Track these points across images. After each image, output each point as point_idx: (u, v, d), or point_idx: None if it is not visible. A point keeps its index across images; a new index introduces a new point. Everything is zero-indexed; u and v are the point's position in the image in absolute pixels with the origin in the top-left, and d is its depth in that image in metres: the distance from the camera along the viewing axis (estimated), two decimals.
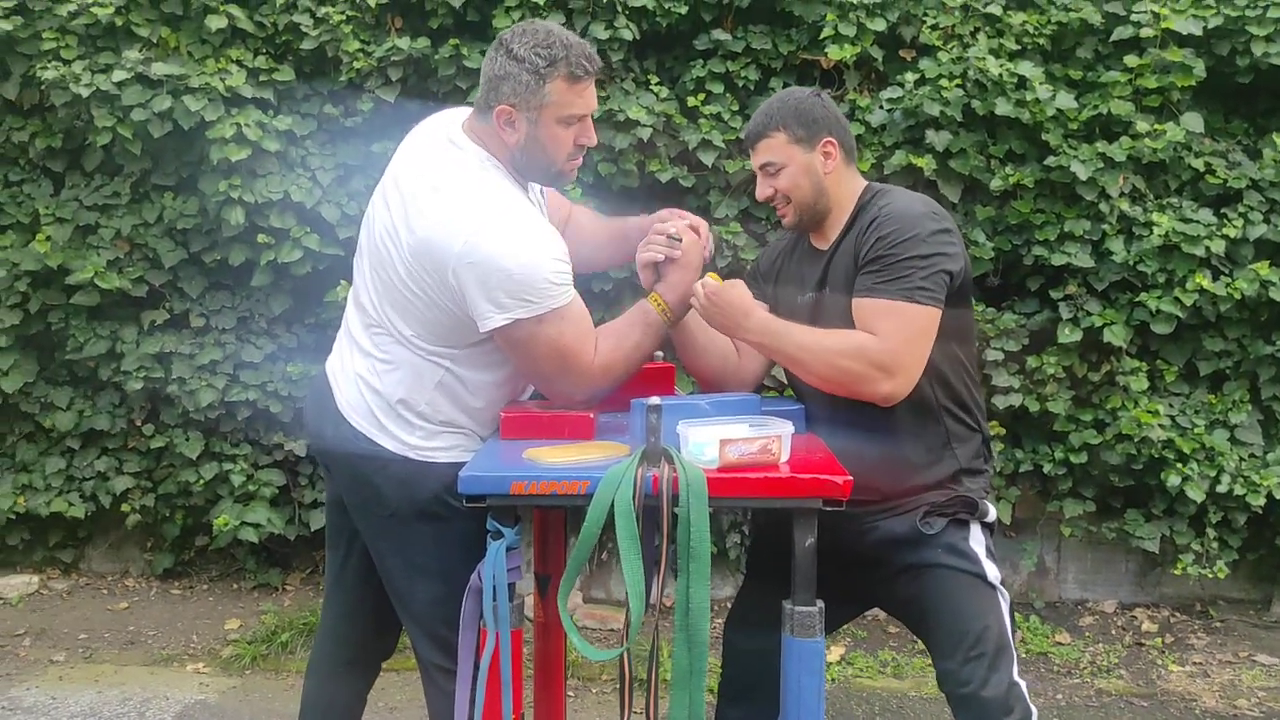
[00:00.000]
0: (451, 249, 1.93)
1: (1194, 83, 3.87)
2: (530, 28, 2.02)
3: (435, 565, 2.10)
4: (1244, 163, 4.00)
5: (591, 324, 2.08)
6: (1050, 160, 3.89)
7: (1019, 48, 3.97)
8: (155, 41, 4.10)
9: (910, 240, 2.08)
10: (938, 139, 3.90)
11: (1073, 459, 4.02)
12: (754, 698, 2.32)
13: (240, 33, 4.15)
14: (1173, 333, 3.94)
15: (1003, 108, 3.84)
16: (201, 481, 4.23)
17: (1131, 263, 3.90)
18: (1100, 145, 3.87)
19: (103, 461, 4.36)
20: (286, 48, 4.19)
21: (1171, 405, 4.02)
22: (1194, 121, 3.90)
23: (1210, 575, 4.03)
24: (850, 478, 1.78)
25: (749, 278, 2.39)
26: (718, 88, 4.06)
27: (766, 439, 1.83)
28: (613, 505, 1.74)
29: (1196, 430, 3.96)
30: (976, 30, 3.99)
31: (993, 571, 2.15)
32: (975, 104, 3.87)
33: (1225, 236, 3.87)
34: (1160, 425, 3.90)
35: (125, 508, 4.34)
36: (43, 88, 4.06)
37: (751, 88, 4.09)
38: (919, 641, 2.56)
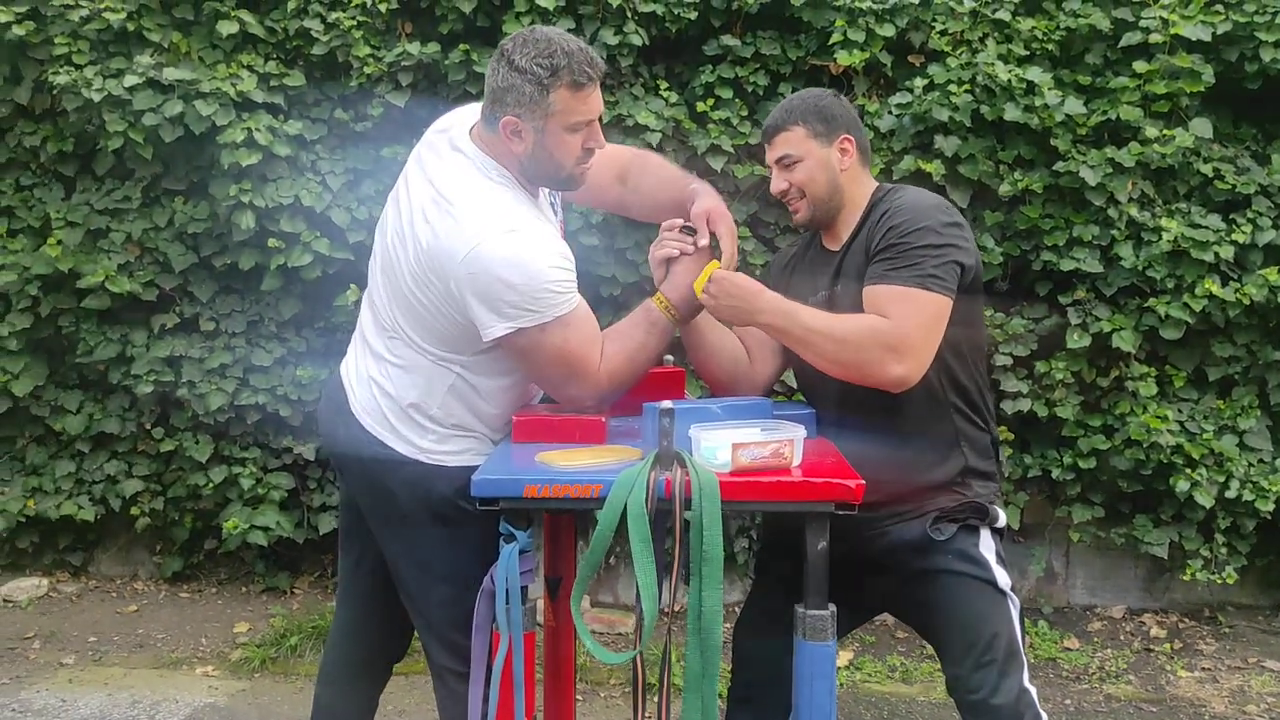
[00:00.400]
0: (454, 260, 1.94)
1: (1203, 88, 3.87)
2: (530, 37, 2.00)
3: (447, 568, 2.11)
4: (1253, 168, 4.00)
5: (597, 328, 2.08)
6: (1059, 166, 3.89)
7: (1028, 53, 3.98)
8: (167, 46, 4.12)
9: (922, 229, 2.08)
10: (946, 144, 3.90)
11: (1081, 464, 4.01)
12: (764, 702, 2.32)
13: (251, 38, 4.17)
14: (1182, 338, 3.94)
15: (1011, 113, 3.85)
16: (211, 485, 4.24)
17: (1140, 268, 3.90)
18: (1109, 151, 3.87)
19: (112, 465, 4.37)
20: (297, 53, 4.21)
21: (1180, 411, 4.02)
22: (1203, 127, 3.90)
23: (1219, 581, 4.03)
24: (862, 482, 1.78)
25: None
26: (727, 93, 4.07)
27: (779, 443, 1.83)
28: (625, 509, 1.75)
29: (1205, 436, 3.95)
30: (985, 36, 3.99)
31: (1003, 577, 2.15)
32: (984, 109, 3.88)
33: (1234, 242, 3.87)
34: (1169, 431, 3.89)
35: (135, 511, 4.36)
36: (54, 92, 4.08)
37: (760, 93, 4.10)
38: (927, 646, 2.57)
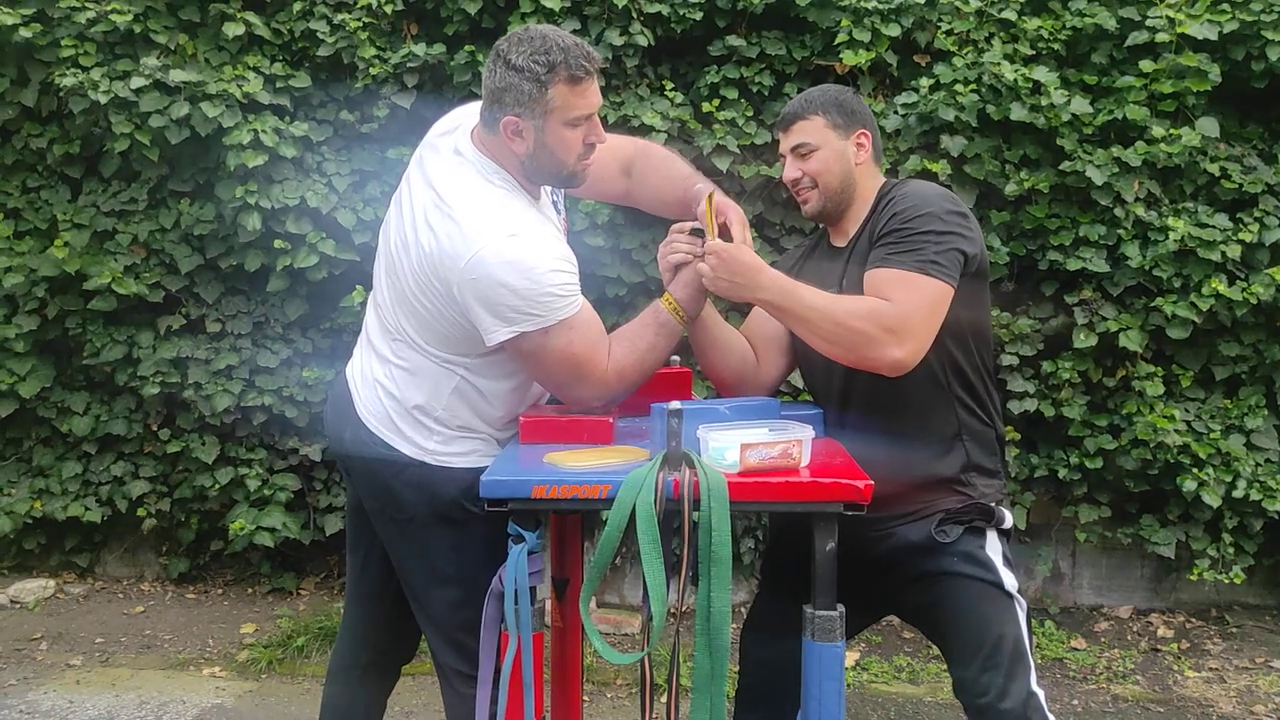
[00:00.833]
0: (456, 265, 1.93)
1: (1209, 88, 3.87)
2: (525, 35, 1.99)
3: (453, 570, 2.11)
4: (1259, 167, 4.00)
5: (603, 330, 2.07)
6: (1065, 165, 3.89)
7: (1034, 53, 3.98)
8: (173, 48, 4.13)
9: (925, 216, 2.08)
10: (952, 144, 3.90)
11: (1088, 464, 4.01)
12: (772, 703, 2.32)
13: (257, 39, 4.18)
14: (1188, 338, 3.93)
15: (1018, 113, 3.84)
16: (217, 486, 4.24)
17: (1147, 268, 3.89)
18: (1115, 150, 3.87)
19: (119, 466, 4.38)
20: (303, 54, 4.22)
21: (1187, 410, 4.01)
22: (1209, 126, 3.90)
23: (1226, 581, 4.02)
24: (871, 482, 1.77)
25: None
26: (732, 93, 4.07)
27: (787, 443, 1.83)
28: (634, 509, 1.74)
29: (1212, 435, 3.94)
30: (991, 35, 3.99)
31: (1010, 580, 2.13)
32: (990, 109, 3.88)
33: (1241, 241, 3.87)
34: (1176, 430, 3.89)
35: (141, 512, 4.36)
36: (61, 94, 4.09)
37: (766, 93, 4.10)
38: (934, 646, 2.56)
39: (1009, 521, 2.20)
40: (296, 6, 4.11)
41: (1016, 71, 3.83)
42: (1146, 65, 3.88)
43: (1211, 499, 3.87)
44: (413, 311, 2.05)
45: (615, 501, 1.76)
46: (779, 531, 2.49)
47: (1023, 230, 4.02)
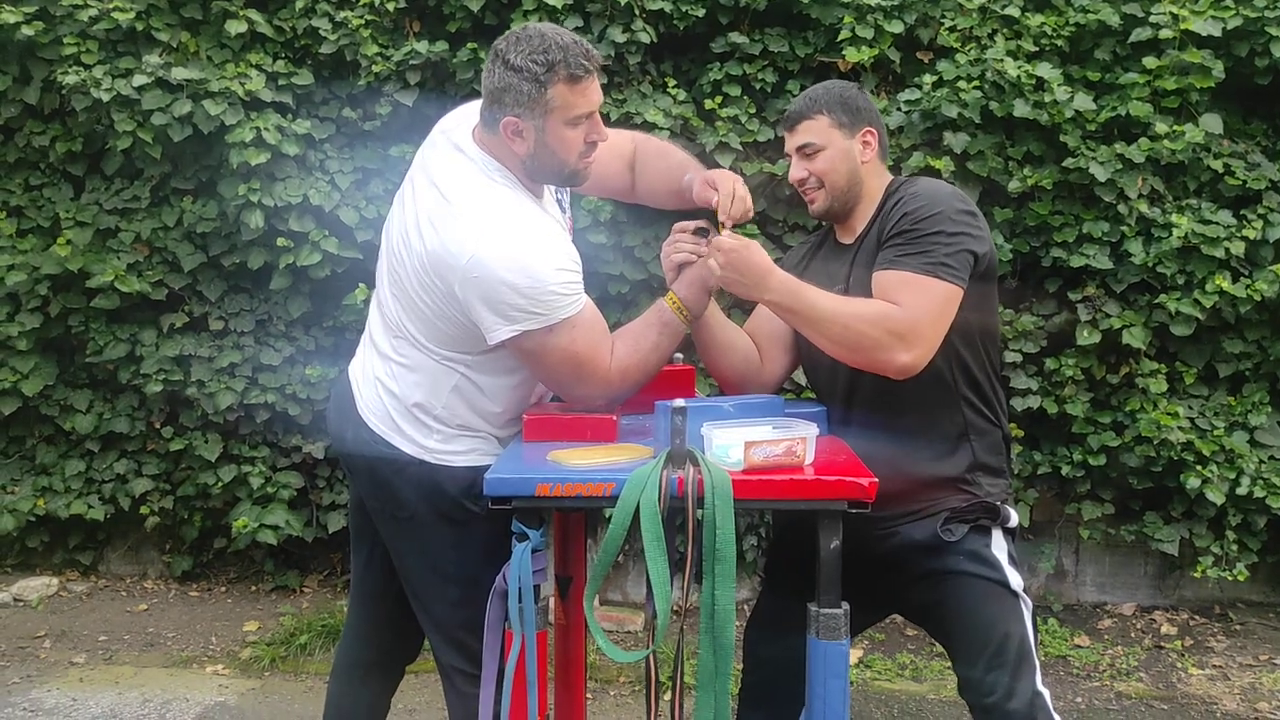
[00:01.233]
0: (458, 264, 1.93)
1: (1213, 84, 3.86)
2: (523, 34, 1.99)
3: (455, 569, 2.10)
4: (1263, 164, 3.99)
5: (605, 328, 2.07)
6: (1069, 162, 3.88)
7: (1037, 49, 3.97)
8: (175, 46, 4.12)
9: (935, 217, 2.06)
10: (955, 141, 3.89)
11: (1091, 461, 4.00)
12: (776, 700, 2.31)
13: (259, 37, 4.17)
14: (1192, 334, 3.92)
15: (1021, 109, 3.84)
16: (220, 484, 4.25)
17: (1150, 264, 3.88)
18: (1119, 147, 3.86)
19: (122, 464, 4.38)
20: (305, 52, 4.22)
21: (1191, 407, 4.01)
22: (1213, 123, 3.89)
23: (1230, 578, 4.01)
24: (875, 480, 1.77)
25: None
26: (735, 90, 4.07)
27: (791, 441, 1.82)
28: (638, 507, 1.74)
29: (1216, 432, 3.94)
30: (994, 32, 3.98)
31: (1015, 579, 2.13)
32: (993, 105, 3.87)
33: (1245, 238, 3.86)
34: (1179, 427, 3.88)
35: (144, 510, 4.37)
36: (63, 92, 4.09)
37: (769, 90, 4.09)
38: (937, 644, 2.55)
39: (1014, 520, 2.20)
40: (299, 4, 4.10)
41: (1020, 68, 3.83)
42: (1150, 61, 3.87)
43: (1215, 496, 3.87)
44: (414, 309, 2.05)
45: (619, 499, 1.76)
46: (782, 529, 2.49)
47: (1026, 227, 4.01)
